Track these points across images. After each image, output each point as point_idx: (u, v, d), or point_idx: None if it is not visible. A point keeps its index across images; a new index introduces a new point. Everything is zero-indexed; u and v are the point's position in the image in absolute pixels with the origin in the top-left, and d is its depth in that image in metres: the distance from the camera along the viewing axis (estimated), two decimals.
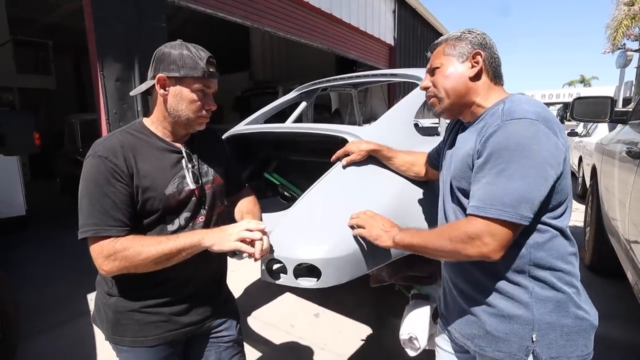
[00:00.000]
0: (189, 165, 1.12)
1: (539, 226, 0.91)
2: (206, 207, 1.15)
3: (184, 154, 1.12)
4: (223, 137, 2.22)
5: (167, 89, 1.05)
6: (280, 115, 2.76)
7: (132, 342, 1.08)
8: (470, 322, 1.01)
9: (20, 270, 3.70)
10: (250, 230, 1.01)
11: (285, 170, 2.49)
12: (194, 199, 1.12)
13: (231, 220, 1.21)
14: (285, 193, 2.43)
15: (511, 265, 0.93)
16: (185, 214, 1.10)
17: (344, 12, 7.67)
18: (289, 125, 2.13)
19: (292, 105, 2.83)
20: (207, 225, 1.15)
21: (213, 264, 1.19)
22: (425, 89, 1.10)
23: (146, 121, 1.11)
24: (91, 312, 2.81)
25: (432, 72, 1.08)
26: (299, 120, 2.83)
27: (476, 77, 1.02)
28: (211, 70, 1.06)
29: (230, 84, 11.64)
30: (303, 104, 2.88)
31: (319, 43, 7.24)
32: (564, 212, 0.93)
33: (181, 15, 9.16)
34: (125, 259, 0.96)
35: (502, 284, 0.94)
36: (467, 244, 0.88)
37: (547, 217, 0.91)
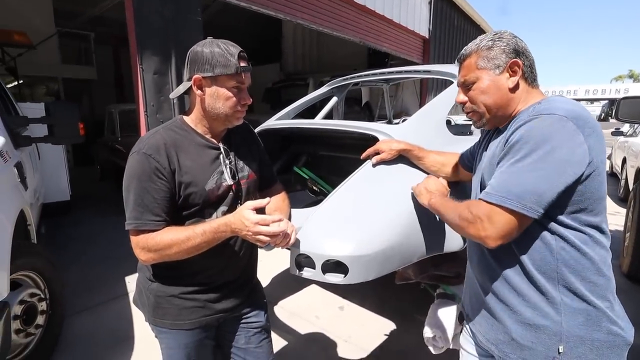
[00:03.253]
0: (227, 162, 1.17)
1: (564, 230, 0.89)
2: (242, 202, 1.20)
3: (222, 151, 1.18)
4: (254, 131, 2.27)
5: (203, 89, 1.09)
6: (312, 109, 2.79)
7: (171, 324, 1.16)
8: (495, 327, 1.00)
9: (64, 252, 3.95)
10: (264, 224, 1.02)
11: (314, 165, 2.53)
12: (231, 193, 1.17)
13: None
14: (314, 187, 2.47)
15: (539, 269, 0.90)
16: (223, 208, 1.16)
17: (377, 4, 7.56)
18: (321, 122, 2.16)
19: (323, 99, 2.85)
20: None
21: (245, 255, 1.25)
22: (462, 103, 1.07)
23: (186, 119, 1.17)
24: (129, 294, 3.00)
25: (466, 86, 1.04)
26: (329, 115, 2.85)
27: (515, 87, 0.99)
28: (243, 65, 1.08)
29: (261, 76, 11.74)
30: (334, 99, 2.89)
31: (352, 36, 7.18)
32: (593, 218, 0.89)
33: (215, 6, 9.31)
34: (157, 252, 1.04)
35: (530, 292, 0.92)
36: (470, 223, 0.91)
37: (572, 220, 0.88)
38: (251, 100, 1.16)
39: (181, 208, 1.10)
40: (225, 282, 1.21)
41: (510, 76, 0.99)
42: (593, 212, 0.89)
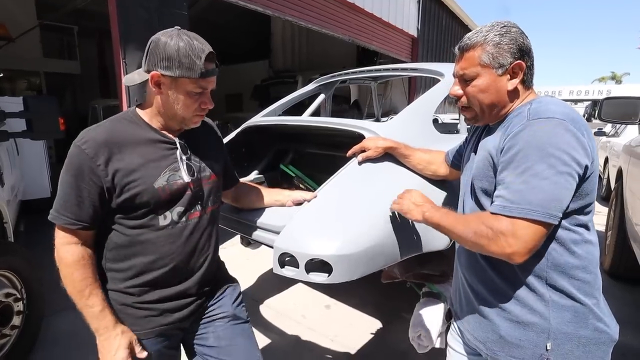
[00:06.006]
0: (184, 157, 1.08)
1: (558, 230, 0.88)
2: (202, 203, 1.13)
3: (178, 146, 1.09)
4: (240, 128, 2.24)
5: (161, 87, 1.00)
6: (299, 106, 2.76)
7: None
8: (483, 326, 1.00)
9: (45, 250, 3.84)
10: None
11: (301, 162, 2.50)
12: (188, 192, 1.08)
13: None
14: (301, 185, 2.44)
15: (529, 269, 0.90)
16: (178, 208, 1.07)
17: (366, 2, 7.55)
18: (307, 119, 2.13)
19: (310, 97, 2.83)
20: (200, 222, 1.13)
21: (202, 260, 1.16)
22: (456, 97, 1.03)
23: (140, 112, 1.08)
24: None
25: (464, 80, 0.99)
26: (317, 112, 2.82)
27: (514, 90, 0.96)
28: (209, 68, 0.99)
29: (249, 73, 11.65)
30: (321, 97, 2.87)
31: (341, 33, 7.15)
32: (584, 217, 0.90)
33: (203, 1, 9.18)
34: (59, 262, 1.03)
35: (518, 290, 0.92)
36: (491, 240, 0.85)
37: (566, 222, 0.88)
38: (213, 104, 1.07)
39: (128, 209, 1.01)
40: (181, 290, 1.12)
41: (511, 78, 0.96)
42: (585, 211, 0.89)
